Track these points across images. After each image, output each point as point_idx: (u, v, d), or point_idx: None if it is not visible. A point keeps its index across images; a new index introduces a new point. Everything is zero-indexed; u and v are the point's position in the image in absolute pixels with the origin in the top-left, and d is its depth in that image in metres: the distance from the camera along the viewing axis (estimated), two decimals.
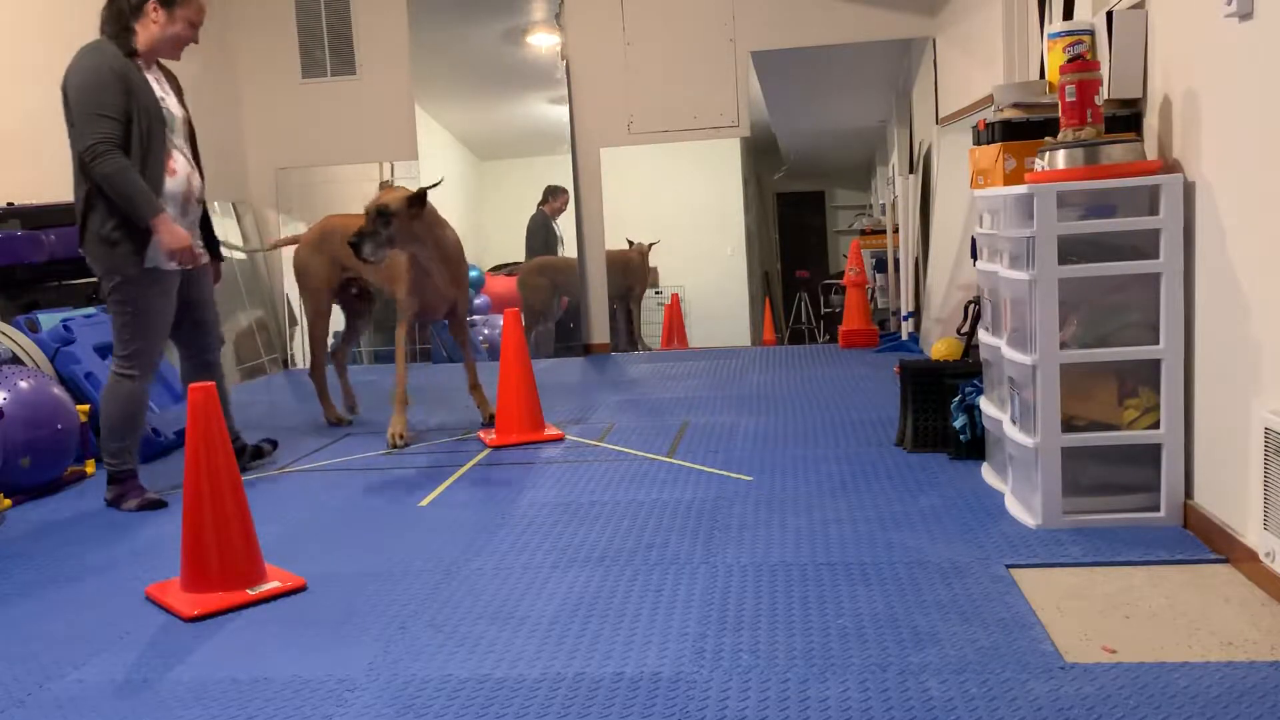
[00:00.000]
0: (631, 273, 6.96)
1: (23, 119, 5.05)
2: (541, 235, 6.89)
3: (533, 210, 6.88)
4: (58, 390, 3.85)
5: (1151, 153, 2.86)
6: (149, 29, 3.46)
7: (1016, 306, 2.84)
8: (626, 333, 6.96)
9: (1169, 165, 2.73)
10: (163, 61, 3.62)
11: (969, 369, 3.58)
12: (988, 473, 3.26)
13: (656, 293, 7.13)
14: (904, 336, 6.28)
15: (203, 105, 6.63)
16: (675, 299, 7.19)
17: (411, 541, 2.98)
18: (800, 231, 7.82)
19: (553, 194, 6.84)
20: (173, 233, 3.38)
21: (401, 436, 4.22)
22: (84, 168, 3.33)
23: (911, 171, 6.53)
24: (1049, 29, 3.30)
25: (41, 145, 5.17)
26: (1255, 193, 2.29)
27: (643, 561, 2.70)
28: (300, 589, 2.63)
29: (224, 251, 4.08)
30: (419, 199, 4.07)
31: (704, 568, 2.62)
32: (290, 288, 6.97)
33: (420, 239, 4.12)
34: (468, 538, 2.98)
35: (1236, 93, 2.36)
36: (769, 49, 6.55)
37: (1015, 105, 3.17)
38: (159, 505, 3.50)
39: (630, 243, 6.91)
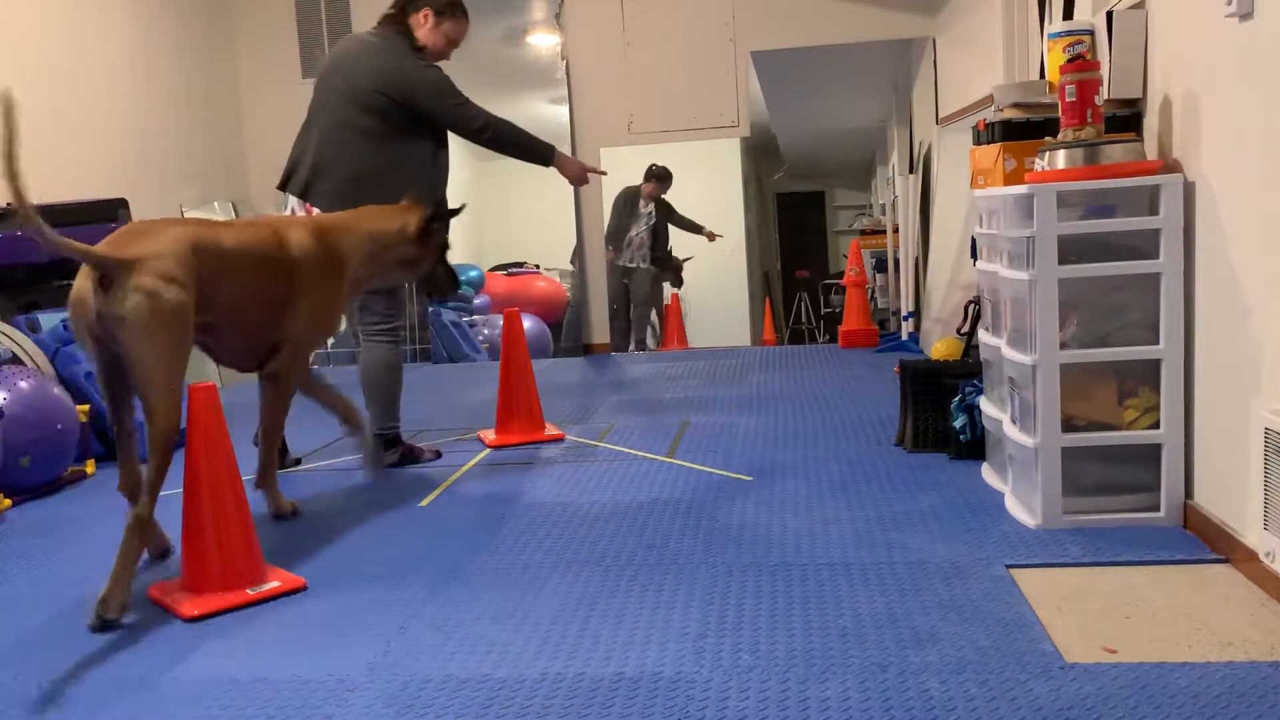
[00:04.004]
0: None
1: (23, 119, 5.05)
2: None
3: (537, 206, 6.88)
4: (58, 390, 3.86)
5: (1151, 153, 2.86)
6: (420, 29, 3.81)
7: (1016, 306, 2.84)
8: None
9: (1169, 165, 2.72)
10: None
11: (969, 369, 3.58)
12: (988, 473, 3.26)
13: None
14: (904, 336, 6.28)
15: (203, 105, 6.65)
16: (675, 299, 7.20)
17: (411, 541, 2.98)
18: (800, 231, 7.82)
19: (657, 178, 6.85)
20: (574, 161, 3.96)
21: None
22: (477, 135, 3.72)
23: (911, 171, 6.54)
24: (1049, 29, 3.30)
25: (42, 145, 5.17)
26: (1255, 193, 2.29)
27: (643, 561, 2.70)
28: (300, 589, 2.63)
29: None
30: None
31: (704, 568, 2.62)
32: None
33: None
34: (468, 538, 2.98)
35: (1236, 93, 2.36)
36: (769, 49, 6.55)
37: (1015, 105, 3.17)
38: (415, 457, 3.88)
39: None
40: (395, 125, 3.66)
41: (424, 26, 3.79)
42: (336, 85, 3.71)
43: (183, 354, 2.67)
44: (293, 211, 3.69)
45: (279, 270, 3.03)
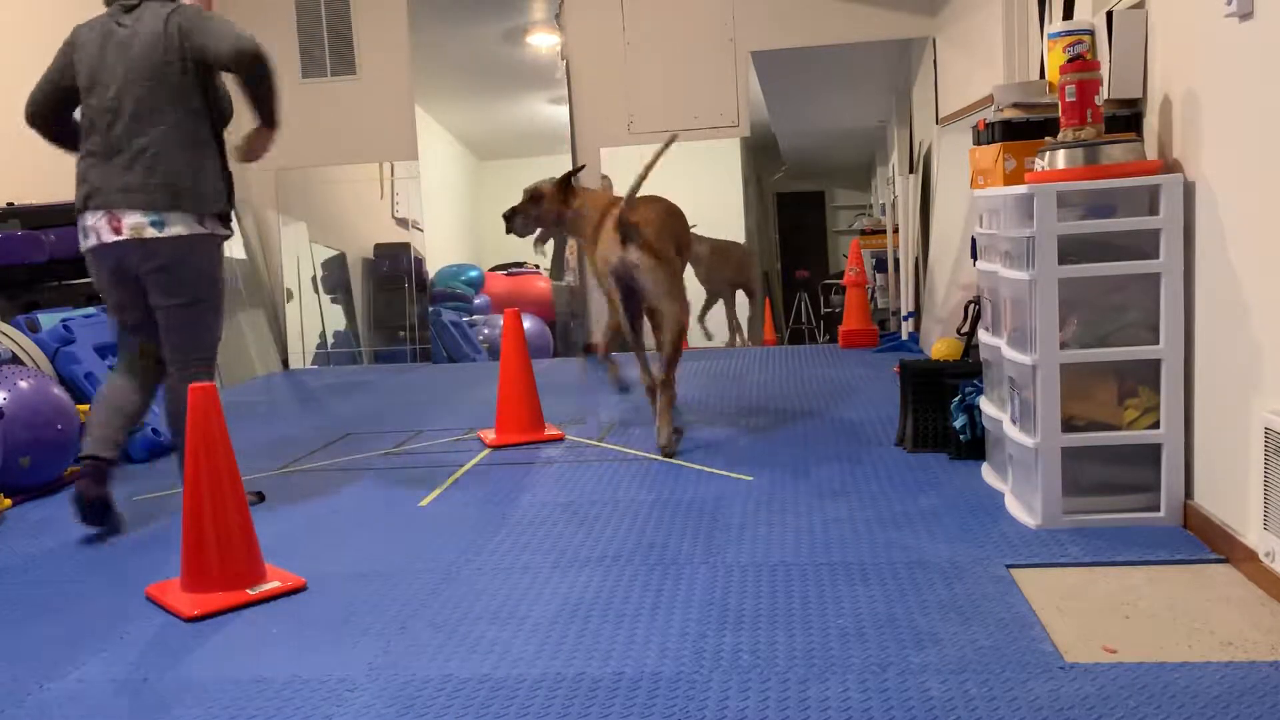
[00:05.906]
0: (731, 264, 6.91)
1: (22, 119, 5.05)
2: None
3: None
4: (58, 390, 3.86)
5: (1151, 153, 2.86)
6: None
7: (1016, 306, 2.84)
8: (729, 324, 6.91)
9: (1169, 165, 2.73)
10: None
11: (969, 369, 3.58)
12: (988, 473, 3.26)
13: None
14: (904, 336, 6.28)
15: None
16: None
17: (411, 541, 2.98)
18: (800, 231, 7.82)
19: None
20: (266, 141, 3.35)
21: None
22: (251, 65, 3.13)
23: (911, 171, 6.53)
24: (1049, 29, 3.30)
25: (41, 145, 5.16)
26: (1255, 193, 2.29)
27: (643, 561, 2.70)
28: (300, 589, 2.63)
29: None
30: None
31: (704, 568, 2.62)
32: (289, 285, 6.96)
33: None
34: (468, 538, 2.98)
35: (1236, 93, 2.36)
36: (769, 49, 6.55)
37: (1015, 105, 3.17)
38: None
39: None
40: (194, 104, 3.25)
41: None
42: (118, 77, 3.23)
43: (678, 281, 3.87)
44: (97, 236, 3.23)
45: (683, 235, 4.14)
